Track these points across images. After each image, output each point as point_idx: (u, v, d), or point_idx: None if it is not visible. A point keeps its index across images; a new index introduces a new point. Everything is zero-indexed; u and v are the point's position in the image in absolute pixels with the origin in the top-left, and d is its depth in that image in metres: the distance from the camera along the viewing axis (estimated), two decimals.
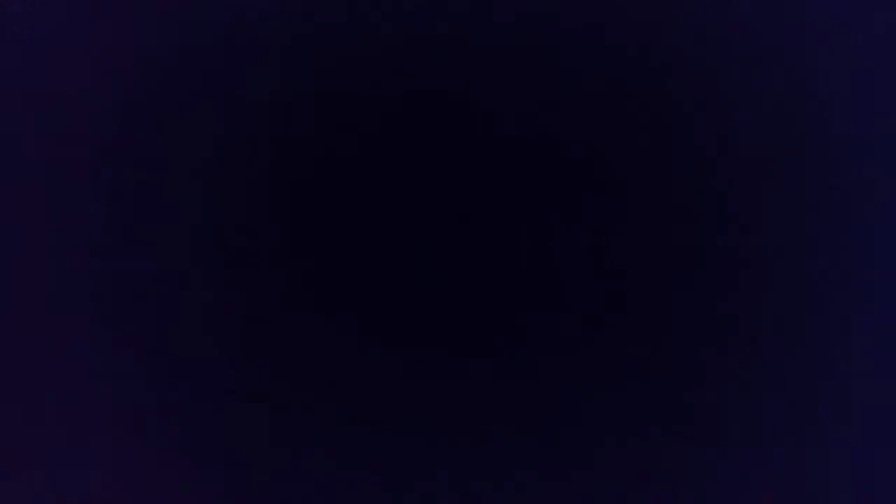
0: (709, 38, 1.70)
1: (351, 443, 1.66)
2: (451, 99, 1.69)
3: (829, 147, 1.69)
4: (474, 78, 1.69)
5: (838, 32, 1.70)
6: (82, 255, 1.68)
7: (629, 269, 1.68)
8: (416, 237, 1.68)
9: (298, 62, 1.70)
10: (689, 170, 1.68)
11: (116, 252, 1.68)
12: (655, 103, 1.69)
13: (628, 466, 1.66)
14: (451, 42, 1.69)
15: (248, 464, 1.66)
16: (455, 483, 1.66)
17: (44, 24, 1.69)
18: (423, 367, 1.67)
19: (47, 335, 1.67)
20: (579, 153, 1.68)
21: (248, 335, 1.67)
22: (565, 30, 1.69)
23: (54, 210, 1.69)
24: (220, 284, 1.68)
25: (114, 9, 1.70)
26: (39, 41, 1.70)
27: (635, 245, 1.68)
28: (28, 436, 1.67)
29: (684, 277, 1.67)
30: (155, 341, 1.67)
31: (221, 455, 1.66)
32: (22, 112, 1.70)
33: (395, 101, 1.69)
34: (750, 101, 1.69)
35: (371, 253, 1.68)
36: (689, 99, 1.69)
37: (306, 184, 1.69)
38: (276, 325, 1.67)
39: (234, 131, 1.69)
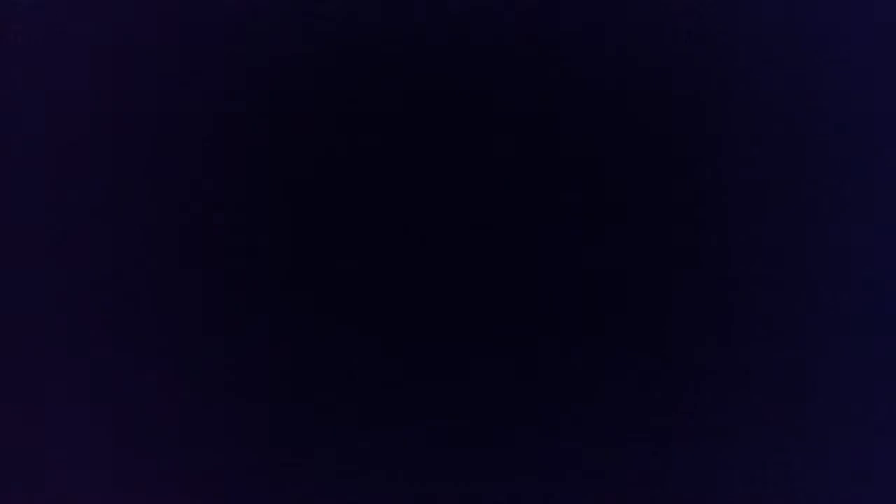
0: (709, 39, 1.70)
1: (351, 443, 1.67)
2: (451, 99, 1.69)
3: (829, 147, 1.69)
4: (474, 78, 1.69)
5: (838, 32, 1.70)
6: (82, 254, 1.68)
7: (629, 269, 1.68)
8: (415, 237, 1.68)
9: (299, 62, 1.70)
10: (690, 170, 1.68)
11: (116, 252, 1.68)
12: (656, 103, 1.69)
13: (628, 466, 1.66)
14: (452, 42, 1.69)
15: (248, 464, 1.66)
16: (455, 483, 1.66)
17: (44, 23, 1.69)
18: (422, 367, 1.67)
19: (47, 335, 1.67)
20: (579, 153, 1.68)
21: (248, 335, 1.67)
22: (565, 31, 1.69)
23: (54, 210, 1.69)
24: (220, 284, 1.68)
25: (114, 8, 1.70)
26: (39, 41, 1.70)
27: (635, 245, 1.68)
28: (28, 436, 1.67)
29: (684, 277, 1.67)
30: (155, 341, 1.67)
31: (221, 455, 1.66)
32: (22, 112, 1.70)
33: (393, 101, 1.69)
34: (750, 101, 1.69)
35: (371, 253, 1.68)
36: (690, 99, 1.69)
37: (306, 183, 1.69)
38: (276, 325, 1.67)
39: (234, 131, 1.69)
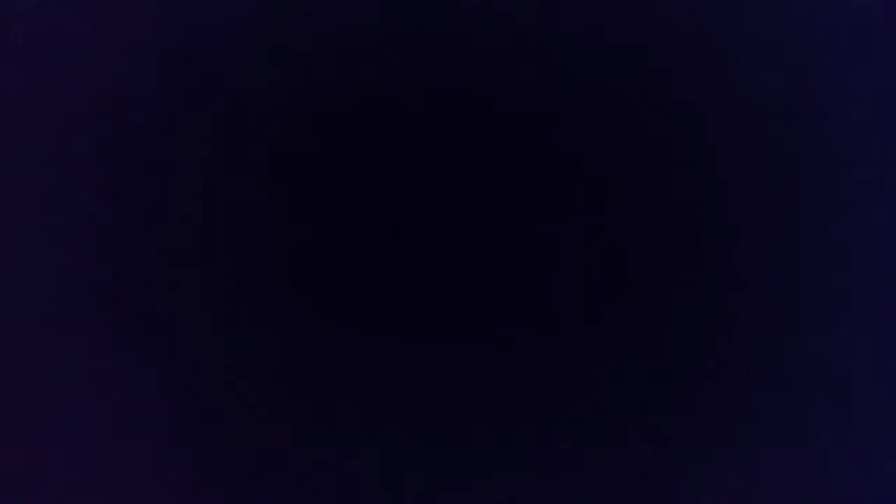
0: (709, 39, 1.70)
1: (351, 443, 1.67)
2: (451, 99, 1.69)
3: (829, 147, 1.69)
4: (475, 78, 1.69)
5: (837, 32, 1.70)
6: (82, 254, 1.68)
7: (629, 270, 1.68)
8: (415, 237, 1.68)
9: (299, 62, 1.70)
10: (690, 169, 1.68)
11: (117, 252, 1.68)
12: (656, 103, 1.69)
13: (628, 466, 1.66)
14: (453, 42, 1.69)
15: (248, 464, 1.66)
16: (455, 483, 1.66)
17: (44, 23, 1.70)
18: (422, 367, 1.67)
19: (47, 335, 1.68)
20: (579, 153, 1.68)
21: (248, 335, 1.67)
22: (565, 31, 1.69)
23: (54, 210, 1.69)
24: (220, 284, 1.68)
25: (114, 8, 1.70)
26: (39, 41, 1.70)
27: (635, 245, 1.68)
28: (28, 436, 1.67)
29: (684, 278, 1.67)
30: (155, 341, 1.67)
31: (222, 455, 1.66)
32: (22, 112, 1.70)
33: (393, 101, 1.69)
34: (750, 101, 1.69)
35: (371, 252, 1.68)
36: (690, 99, 1.69)
37: (306, 183, 1.69)
38: (277, 325, 1.67)
39: (234, 131, 1.69)
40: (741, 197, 1.68)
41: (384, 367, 1.67)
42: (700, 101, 1.69)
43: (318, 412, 1.66)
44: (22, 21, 1.70)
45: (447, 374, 1.67)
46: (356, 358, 1.67)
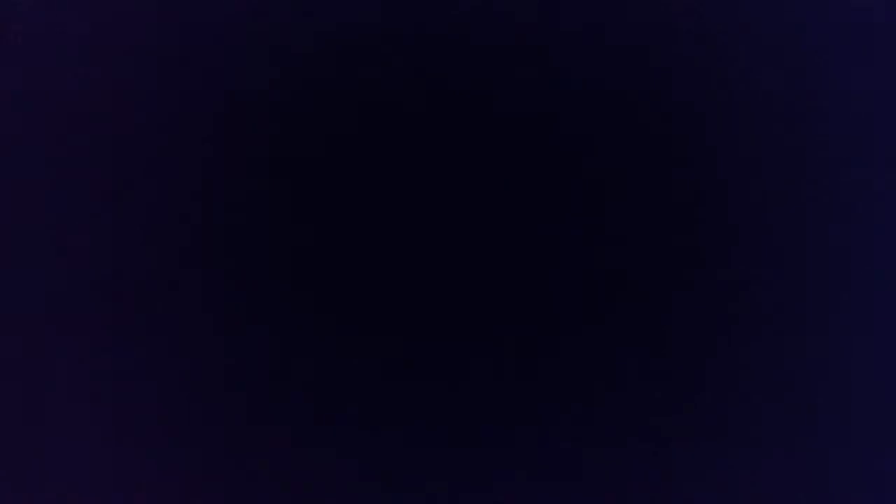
0: (709, 39, 1.70)
1: (351, 443, 1.67)
2: (453, 99, 1.69)
3: (829, 147, 1.69)
4: (475, 78, 1.69)
5: (838, 32, 1.70)
6: (82, 254, 1.68)
7: (629, 270, 1.68)
8: (415, 237, 1.68)
9: (299, 62, 1.70)
10: (690, 169, 1.68)
11: (117, 251, 1.68)
12: (656, 103, 1.69)
13: (628, 466, 1.66)
14: (453, 42, 1.69)
15: (248, 464, 1.66)
16: (455, 483, 1.66)
17: (44, 23, 1.70)
18: (422, 367, 1.67)
19: (48, 335, 1.68)
20: (579, 153, 1.68)
21: (248, 335, 1.67)
22: (565, 31, 1.69)
23: (54, 210, 1.69)
24: (220, 284, 1.68)
25: (114, 8, 1.70)
26: (39, 41, 1.70)
27: (635, 245, 1.68)
28: (28, 436, 1.67)
29: (684, 278, 1.67)
30: (155, 341, 1.67)
31: (222, 454, 1.66)
32: (22, 112, 1.70)
33: (393, 101, 1.69)
34: (750, 101, 1.69)
35: (371, 252, 1.68)
36: (690, 99, 1.69)
37: (306, 183, 1.69)
38: (277, 325, 1.67)
39: (234, 131, 1.69)
40: (741, 197, 1.68)
41: (384, 367, 1.67)
42: (700, 101, 1.69)
43: (318, 412, 1.66)
44: (22, 21, 1.70)
45: (447, 374, 1.67)
46: (356, 358, 1.67)
